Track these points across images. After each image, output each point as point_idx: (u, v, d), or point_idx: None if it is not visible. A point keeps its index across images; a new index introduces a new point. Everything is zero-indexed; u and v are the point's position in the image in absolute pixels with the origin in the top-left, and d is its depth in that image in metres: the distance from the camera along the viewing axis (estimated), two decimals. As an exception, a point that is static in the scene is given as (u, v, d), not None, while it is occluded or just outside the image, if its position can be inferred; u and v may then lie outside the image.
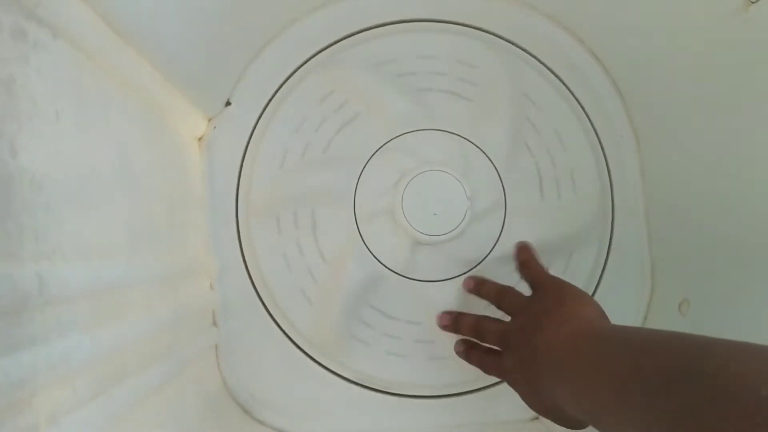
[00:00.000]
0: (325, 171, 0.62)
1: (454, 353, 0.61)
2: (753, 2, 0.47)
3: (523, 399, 0.51)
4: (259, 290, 0.61)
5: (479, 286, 0.60)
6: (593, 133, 0.67)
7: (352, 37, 0.64)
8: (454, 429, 0.63)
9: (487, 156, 0.64)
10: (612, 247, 0.67)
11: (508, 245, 0.63)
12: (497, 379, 0.63)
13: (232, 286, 0.60)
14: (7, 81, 0.27)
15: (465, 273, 0.63)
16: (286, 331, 0.62)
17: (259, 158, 0.61)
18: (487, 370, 0.57)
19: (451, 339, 0.61)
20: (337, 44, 0.64)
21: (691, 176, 0.60)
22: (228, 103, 0.61)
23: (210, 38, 0.51)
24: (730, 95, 0.53)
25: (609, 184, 0.67)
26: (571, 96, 0.67)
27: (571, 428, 0.49)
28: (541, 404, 0.49)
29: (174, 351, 0.47)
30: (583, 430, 0.48)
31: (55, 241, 0.30)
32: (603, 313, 0.49)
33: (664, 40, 0.58)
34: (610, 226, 0.67)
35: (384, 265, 0.62)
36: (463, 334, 0.59)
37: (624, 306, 0.66)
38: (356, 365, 0.62)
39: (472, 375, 0.63)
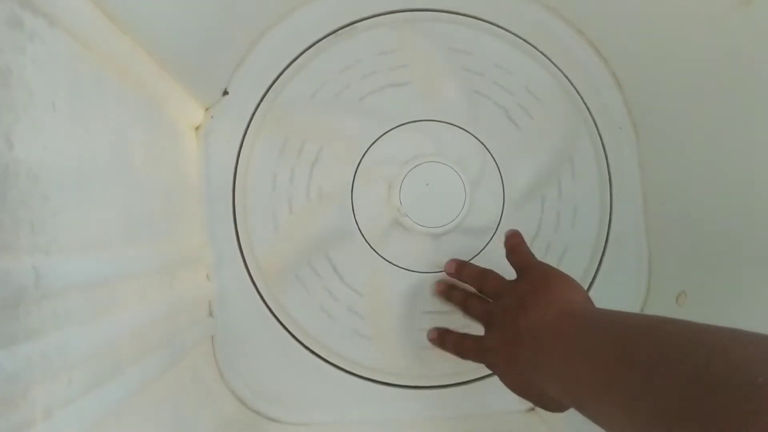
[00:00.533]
0: (318, 214, 0.62)
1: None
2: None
3: (503, 380, 0.50)
4: (255, 280, 0.61)
5: (460, 269, 0.60)
6: (592, 123, 0.67)
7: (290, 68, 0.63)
8: (448, 420, 0.63)
9: (463, 129, 0.64)
10: (610, 238, 0.67)
11: (514, 207, 0.64)
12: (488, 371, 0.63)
13: (228, 276, 0.60)
14: (2, 71, 0.26)
15: (488, 240, 0.64)
16: (282, 322, 0.62)
17: (256, 148, 0.61)
18: (464, 355, 0.57)
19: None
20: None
21: (689, 169, 0.60)
22: (225, 93, 0.60)
23: (207, 27, 0.51)
24: (729, 87, 0.53)
25: (607, 175, 0.67)
26: (571, 86, 0.67)
27: (551, 410, 0.48)
28: (521, 386, 0.48)
29: (170, 342, 0.47)
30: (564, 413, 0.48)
31: (52, 234, 0.30)
32: (589, 298, 0.48)
33: (664, 31, 0.57)
34: (608, 217, 0.67)
35: (417, 272, 0.63)
36: (453, 303, 0.60)
37: (621, 297, 0.67)
38: (351, 355, 0.62)
39: (466, 366, 0.63)
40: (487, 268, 0.58)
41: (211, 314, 0.59)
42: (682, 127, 0.60)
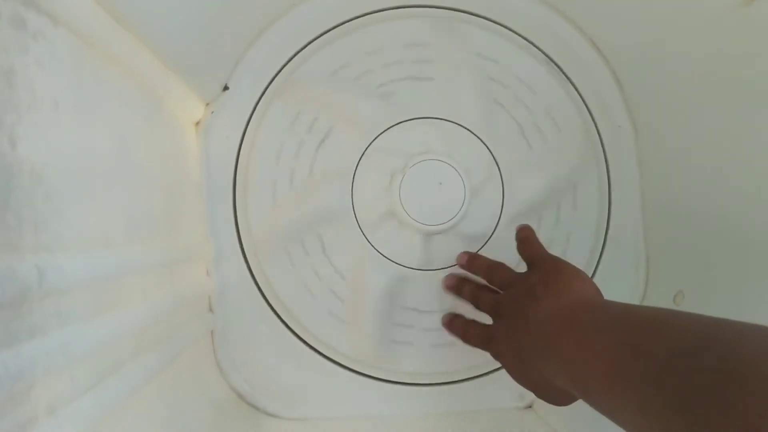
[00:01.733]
0: (317, 191, 0.62)
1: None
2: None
3: (508, 370, 0.50)
4: (255, 275, 0.61)
5: (471, 261, 0.60)
6: (591, 122, 0.67)
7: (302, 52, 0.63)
8: (447, 416, 0.63)
9: (475, 135, 0.64)
10: (608, 237, 0.67)
11: (510, 222, 0.64)
12: (491, 368, 0.64)
13: (228, 271, 0.60)
14: (6, 71, 0.27)
15: (479, 249, 0.64)
16: (282, 317, 0.62)
17: (256, 143, 0.61)
18: (468, 340, 0.57)
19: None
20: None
21: (688, 168, 0.60)
22: (226, 88, 0.60)
23: (208, 22, 0.51)
24: (729, 87, 0.53)
25: (606, 174, 0.67)
26: (570, 85, 0.67)
27: (556, 404, 0.48)
28: (528, 377, 0.48)
29: (170, 338, 0.47)
30: (569, 405, 0.47)
31: (55, 232, 0.30)
32: (599, 291, 0.48)
33: (664, 30, 0.57)
34: (606, 215, 0.67)
35: (403, 266, 0.63)
36: (463, 298, 0.60)
37: (619, 297, 0.65)
38: (326, 338, 0.63)
39: (466, 363, 0.63)
40: (499, 261, 0.58)
41: (210, 309, 0.59)
42: (681, 127, 0.61)
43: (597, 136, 0.67)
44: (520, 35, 0.66)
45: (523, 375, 0.49)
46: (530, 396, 0.64)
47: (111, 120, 0.39)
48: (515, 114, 0.65)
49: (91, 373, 0.33)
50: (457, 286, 0.61)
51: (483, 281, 0.59)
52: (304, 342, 0.62)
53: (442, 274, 0.63)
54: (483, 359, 0.63)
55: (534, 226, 0.63)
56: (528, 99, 0.65)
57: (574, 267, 0.50)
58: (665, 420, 0.30)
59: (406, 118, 0.63)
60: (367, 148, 0.62)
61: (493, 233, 0.64)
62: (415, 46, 0.64)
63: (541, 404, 0.63)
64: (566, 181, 0.66)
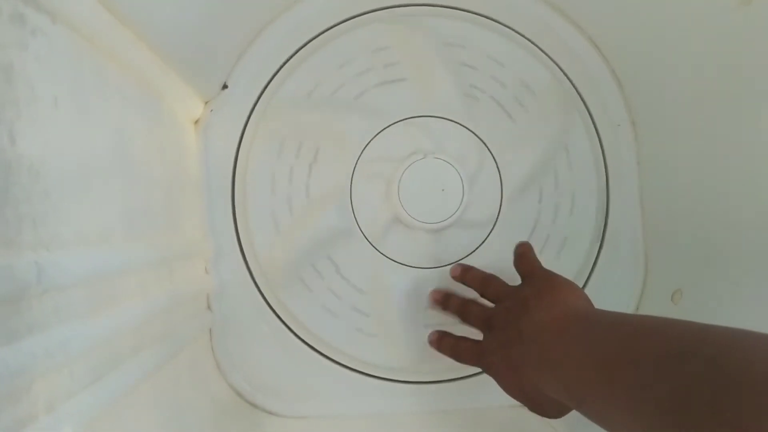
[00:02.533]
0: (317, 215, 0.62)
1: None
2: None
3: (501, 383, 0.50)
4: (253, 274, 0.61)
5: (464, 273, 0.60)
6: (590, 120, 0.67)
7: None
8: (445, 414, 0.63)
9: (459, 124, 0.65)
10: (606, 235, 0.67)
11: (512, 199, 0.65)
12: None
13: (227, 269, 0.60)
14: (5, 67, 0.27)
15: (488, 233, 0.65)
16: (280, 315, 0.62)
17: (255, 145, 0.61)
18: (460, 358, 0.57)
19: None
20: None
21: (687, 166, 0.60)
22: (225, 86, 0.60)
23: (208, 20, 0.51)
24: (728, 86, 0.53)
25: (605, 172, 0.67)
26: (569, 83, 0.67)
27: (549, 416, 0.48)
28: (521, 388, 0.48)
29: (169, 335, 0.47)
30: (561, 417, 0.48)
31: (54, 229, 0.30)
32: (590, 301, 0.49)
33: (664, 29, 0.58)
34: (605, 214, 0.67)
35: (418, 267, 0.63)
36: (449, 312, 0.60)
37: (617, 295, 0.67)
38: (355, 353, 0.63)
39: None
40: (492, 273, 0.58)
41: (209, 307, 0.59)
42: (680, 125, 0.61)
43: (576, 93, 0.67)
44: (517, 31, 0.66)
45: (516, 387, 0.49)
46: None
47: (110, 117, 0.39)
48: (492, 93, 0.65)
49: (90, 370, 0.33)
50: (443, 300, 0.61)
51: (472, 295, 0.60)
52: (302, 340, 0.62)
53: (415, 270, 0.64)
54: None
55: (536, 197, 0.64)
56: (500, 74, 0.65)
57: (566, 279, 0.51)
58: (658, 425, 0.30)
59: (389, 124, 0.63)
60: (357, 162, 0.63)
61: (498, 215, 0.64)
62: (382, 49, 0.63)
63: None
64: (557, 142, 0.66)
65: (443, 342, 0.59)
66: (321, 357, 0.63)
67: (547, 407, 0.47)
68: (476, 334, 0.56)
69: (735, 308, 0.53)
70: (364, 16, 0.63)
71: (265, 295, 0.62)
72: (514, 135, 0.65)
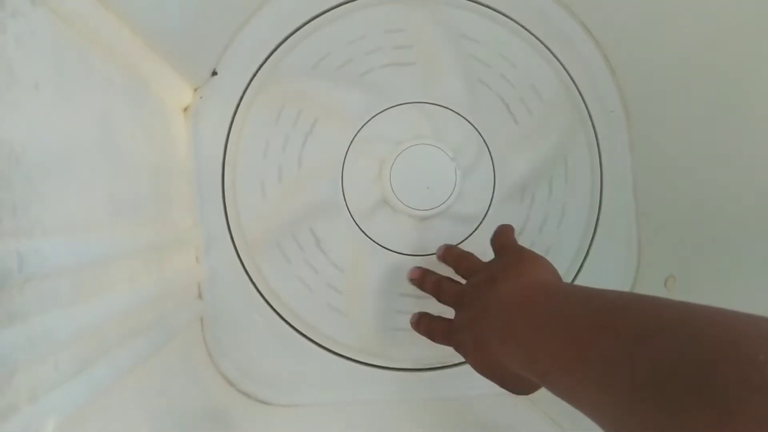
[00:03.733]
0: (306, 185, 0.61)
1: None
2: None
3: (469, 361, 0.49)
4: (244, 262, 0.61)
5: (447, 253, 0.60)
6: (583, 106, 0.66)
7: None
8: (438, 401, 0.63)
9: (462, 116, 0.64)
10: (600, 221, 0.67)
11: (503, 200, 0.64)
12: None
13: (217, 258, 0.60)
14: (-18, 50, 0.26)
15: (474, 229, 0.64)
16: (271, 304, 0.62)
17: (245, 129, 0.60)
18: (434, 338, 0.56)
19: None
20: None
21: (680, 153, 0.60)
22: (214, 73, 0.60)
23: (195, 5, 0.50)
24: (720, 72, 0.53)
25: (598, 158, 0.67)
26: (562, 68, 0.66)
27: (517, 392, 0.47)
28: (486, 364, 0.47)
29: (159, 324, 0.47)
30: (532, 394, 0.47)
31: (35, 216, 0.29)
32: (560, 276, 0.48)
33: (657, 13, 0.57)
34: (598, 200, 0.67)
35: (399, 253, 0.63)
36: (426, 291, 0.59)
37: (610, 280, 0.67)
38: (326, 330, 0.62)
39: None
40: (470, 252, 0.58)
41: (200, 296, 0.59)
42: (673, 111, 0.60)
43: (583, 105, 0.67)
44: (509, 17, 0.65)
45: (482, 363, 0.48)
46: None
47: (94, 103, 0.38)
48: (499, 91, 0.64)
49: (76, 360, 0.33)
50: (420, 279, 0.60)
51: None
52: (294, 328, 0.62)
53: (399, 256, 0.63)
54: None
55: (527, 202, 0.63)
56: (511, 75, 0.64)
57: (536, 254, 0.50)
58: (634, 400, 0.29)
59: (391, 105, 0.63)
60: (353, 139, 0.62)
61: (487, 212, 0.64)
62: (396, 31, 0.63)
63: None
64: (555, 151, 0.65)
65: (420, 322, 0.59)
66: (313, 345, 0.62)
67: (514, 382, 0.46)
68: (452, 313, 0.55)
69: (729, 293, 0.53)
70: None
71: (256, 283, 0.61)
72: (515, 137, 0.65)
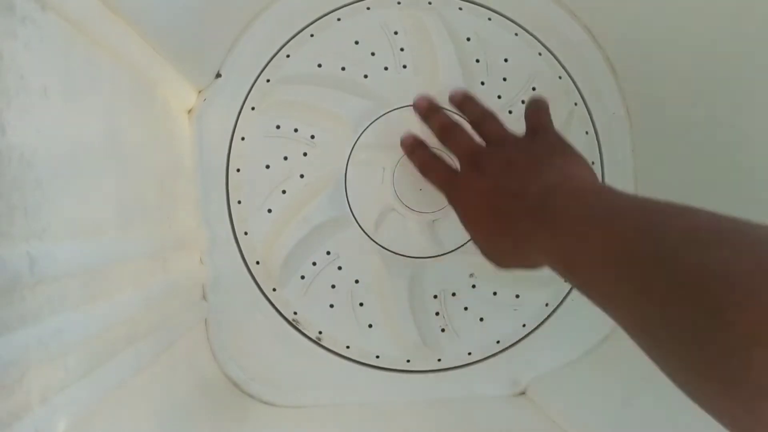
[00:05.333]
0: (312, 205, 0.61)
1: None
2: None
3: (465, 218, 0.49)
4: (248, 263, 0.61)
5: (464, 101, 0.55)
6: (585, 109, 0.67)
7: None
8: (440, 403, 0.63)
9: (460, 116, 0.62)
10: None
11: None
12: (483, 355, 0.64)
13: (221, 259, 0.60)
14: (-6, 56, 0.26)
15: (434, 256, 0.64)
16: (276, 305, 0.62)
17: (249, 131, 0.61)
18: (427, 174, 0.54)
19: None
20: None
21: (682, 156, 0.60)
22: (218, 75, 0.60)
23: (200, 7, 0.50)
24: (724, 74, 0.53)
25: (600, 162, 0.67)
26: (564, 71, 0.66)
27: (501, 265, 0.47)
28: (489, 231, 0.46)
29: (164, 326, 0.47)
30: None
31: (46, 219, 0.30)
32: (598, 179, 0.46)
33: (660, 16, 0.57)
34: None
35: (416, 257, 0.63)
36: (430, 126, 0.55)
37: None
38: (343, 337, 0.63)
39: (459, 352, 0.64)
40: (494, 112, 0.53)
41: (204, 297, 0.59)
42: (676, 114, 0.60)
43: (574, 87, 0.67)
44: (509, 18, 0.66)
45: (484, 228, 0.47)
46: (524, 383, 0.64)
47: (101, 106, 0.39)
48: (499, 91, 0.64)
49: (85, 361, 0.33)
50: (428, 109, 0.56)
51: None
52: (299, 330, 0.62)
53: (455, 255, 0.63)
54: (476, 347, 0.64)
55: None
56: (510, 74, 0.64)
57: (580, 154, 0.47)
58: (669, 304, 0.29)
59: (388, 110, 0.63)
60: (353, 147, 0.62)
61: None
62: (391, 34, 0.63)
63: (534, 391, 0.63)
64: None
65: (416, 150, 0.56)
66: (316, 346, 0.62)
67: (507, 258, 0.46)
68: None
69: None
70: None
71: (259, 284, 0.61)
72: (511, 126, 0.65)
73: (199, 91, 0.59)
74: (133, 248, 0.42)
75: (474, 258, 0.61)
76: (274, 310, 0.62)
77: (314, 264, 0.62)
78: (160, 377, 0.47)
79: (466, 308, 0.64)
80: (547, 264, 0.41)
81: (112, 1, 0.38)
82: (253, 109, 0.61)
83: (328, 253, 0.62)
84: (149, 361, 0.43)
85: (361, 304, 0.62)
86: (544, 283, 0.65)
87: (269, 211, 0.61)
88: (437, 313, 0.63)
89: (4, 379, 0.25)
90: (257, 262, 0.61)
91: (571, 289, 0.66)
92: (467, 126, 0.54)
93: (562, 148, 0.47)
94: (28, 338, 0.27)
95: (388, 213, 0.62)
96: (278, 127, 0.61)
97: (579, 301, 0.65)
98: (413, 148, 0.57)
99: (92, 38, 0.37)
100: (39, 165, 0.29)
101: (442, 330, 0.63)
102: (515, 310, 0.65)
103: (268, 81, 0.61)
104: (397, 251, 0.63)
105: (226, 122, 0.60)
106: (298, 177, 0.61)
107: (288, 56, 0.62)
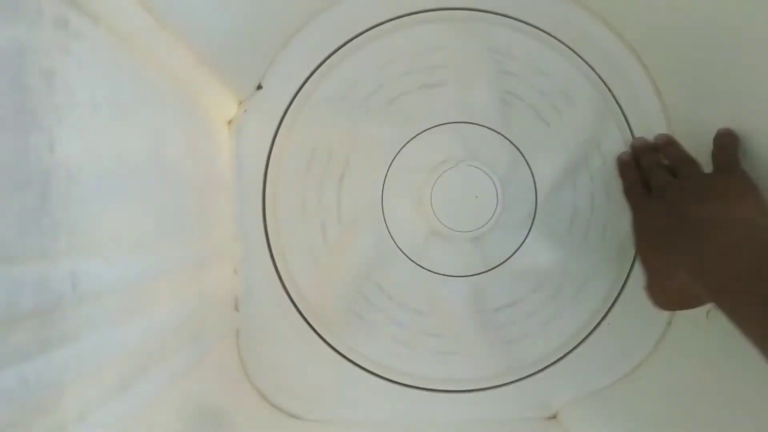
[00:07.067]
0: (353, 241, 0.61)
1: (462, 349, 0.62)
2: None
3: (638, 241, 0.57)
4: (281, 275, 0.61)
5: (669, 145, 0.60)
6: (626, 126, 0.65)
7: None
8: (470, 424, 0.62)
9: (492, 129, 0.63)
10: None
11: (547, 197, 0.64)
12: (516, 377, 0.63)
13: (255, 271, 0.60)
14: (47, 73, 0.26)
15: (529, 228, 0.64)
16: (307, 318, 0.61)
17: (287, 148, 0.60)
18: (627, 190, 0.61)
19: (457, 336, 0.62)
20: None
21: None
22: (259, 87, 0.60)
23: (246, 20, 0.50)
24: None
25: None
26: (609, 92, 0.65)
27: (657, 295, 0.54)
28: (660, 258, 0.53)
29: (197, 338, 0.47)
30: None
31: (89, 236, 0.30)
32: None
33: (708, 42, 0.55)
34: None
35: (468, 276, 0.63)
36: (642, 164, 0.61)
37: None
38: (372, 354, 0.62)
39: (488, 371, 0.63)
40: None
41: (236, 308, 0.59)
42: (714, 119, 0.58)
43: (614, 101, 0.65)
44: (525, 23, 0.64)
45: (652, 250, 0.55)
46: (555, 406, 0.63)
47: (146, 120, 0.39)
48: (529, 100, 0.63)
49: (120, 377, 0.33)
50: (643, 150, 0.62)
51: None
52: (329, 344, 0.62)
53: (505, 268, 0.63)
54: (507, 367, 0.63)
55: (570, 189, 0.64)
56: (540, 83, 0.63)
57: (757, 196, 0.51)
58: None
59: (421, 130, 0.62)
60: (387, 174, 0.61)
61: (535, 214, 0.63)
62: (426, 52, 0.62)
63: (566, 415, 0.62)
64: (588, 144, 0.64)
65: (627, 168, 0.62)
66: (345, 361, 0.62)
67: (669, 292, 0.53)
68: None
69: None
70: (408, 18, 0.62)
71: (292, 296, 0.61)
72: (547, 138, 0.64)
73: (240, 102, 0.59)
74: (171, 262, 0.42)
75: (514, 273, 0.62)
76: (305, 323, 0.61)
77: (372, 304, 0.62)
78: (191, 387, 0.47)
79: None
80: (698, 288, 0.46)
81: (161, 14, 0.38)
82: (292, 122, 0.61)
83: (383, 289, 0.62)
84: (183, 374, 0.43)
85: (437, 335, 0.62)
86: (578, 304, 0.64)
87: (315, 262, 0.61)
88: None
89: (43, 398, 0.25)
90: (290, 274, 0.61)
91: (605, 315, 0.64)
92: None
93: (741, 190, 0.51)
94: (67, 357, 0.27)
95: (431, 237, 0.62)
96: (315, 147, 0.61)
97: (613, 327, 0.64)
98: (631, 166, 0.63)
99: (140, 51, 0.37)
100: (84, 181, 0.29)
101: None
102: (548, 333, 0.64)
103: (308, 95, 0.61)
104: (449, 273, 0.62)
105: (265, 134, 0.60)
106: (336, 215, 0.61)
107: (327, 72, 0.61)
